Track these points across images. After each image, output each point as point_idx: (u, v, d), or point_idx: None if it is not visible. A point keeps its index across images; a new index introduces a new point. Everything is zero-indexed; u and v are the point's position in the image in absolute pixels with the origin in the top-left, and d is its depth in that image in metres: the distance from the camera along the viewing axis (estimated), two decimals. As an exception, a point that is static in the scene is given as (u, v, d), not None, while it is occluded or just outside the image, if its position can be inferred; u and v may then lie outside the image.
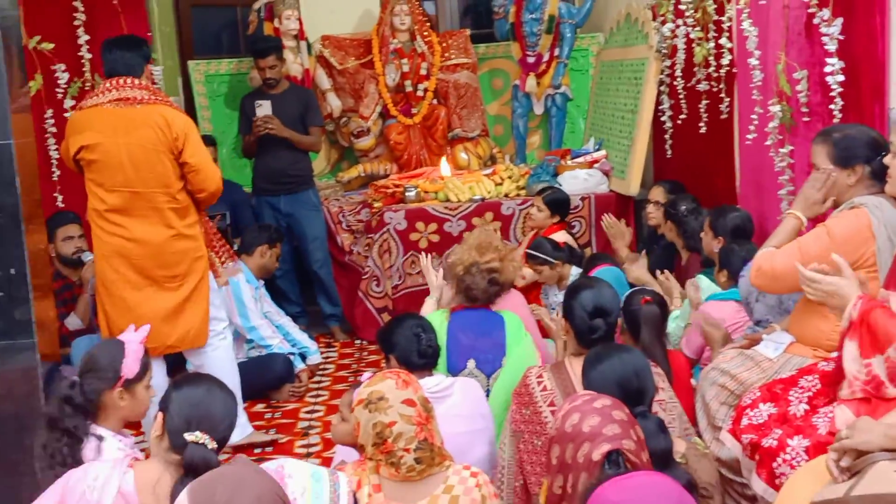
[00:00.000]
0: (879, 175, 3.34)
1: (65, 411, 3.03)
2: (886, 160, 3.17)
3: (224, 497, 1.70)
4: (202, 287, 4.62)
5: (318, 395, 5.61)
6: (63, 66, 5.86)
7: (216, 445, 2.53)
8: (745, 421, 3.08)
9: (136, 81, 4.46)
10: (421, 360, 3.46)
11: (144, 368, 3.19)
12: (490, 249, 4.05)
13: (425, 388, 2.96)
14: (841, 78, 3.94)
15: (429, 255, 4.76)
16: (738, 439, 3.10)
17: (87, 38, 5.92)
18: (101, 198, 4.46)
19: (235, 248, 5.68)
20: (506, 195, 6.59)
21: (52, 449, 2.99)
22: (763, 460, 2.94)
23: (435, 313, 4.12)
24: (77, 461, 3.01)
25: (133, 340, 3.18)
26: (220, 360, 4.65)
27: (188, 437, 2.51)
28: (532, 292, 5.48)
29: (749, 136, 4.70)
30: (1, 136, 3.70)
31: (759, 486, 2.95)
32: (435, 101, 7.42)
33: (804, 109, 4.31)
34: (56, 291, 5.39)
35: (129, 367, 3.10)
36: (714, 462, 3.41)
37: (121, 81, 4.44)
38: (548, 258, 5.13)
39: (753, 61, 4.59)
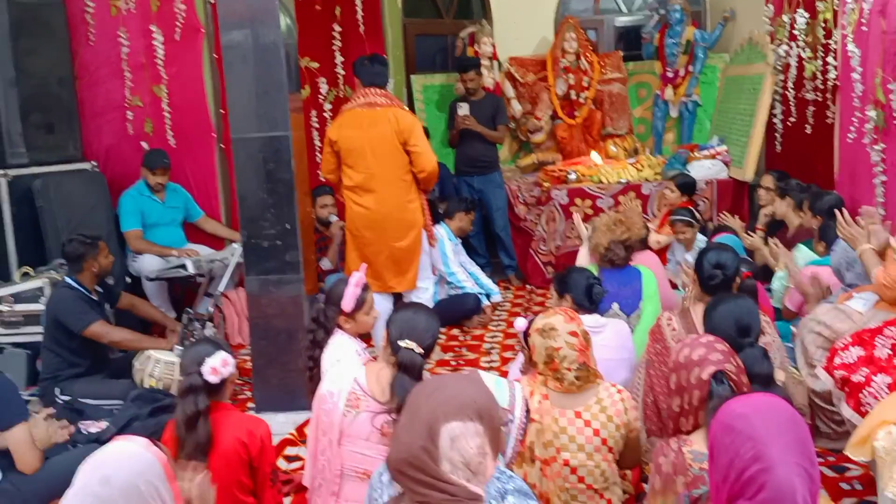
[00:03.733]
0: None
1: (315, 326, 3.25)
2: None
3: (446, 393, 1.66)
4: (415, 247, 4.67)
5: (498, 325, 5.62)
6: (324, 80, 6.04)
7: (422, 351, 2.54)
8: (837, 360, 2.92)
9: (380, 91, 4.54)
10: (590, 304, 3.43)
11: (360, 304, 3.25)
12: (618, 224, 3.97)
13: (585, 323, 2.92)
14: (930, 89, 3.65)
15: (580, 214, 4.74)
16: (831, 375, 2.94)
17: (341, 59, 6.08)
18: (350, 176, 4.57)
19: (441, 211, 5.74)
20: (645, 179, 6.39)
21: (308, 349, 3.25)
22: (852, 392, 2.78)
23: (590, 267, 4.07)
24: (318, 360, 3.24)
25: (352, 284, 3.24)
26: (420, 300, 4.70)
27: (401, 343, 2.54)
28: (662, 254, 5.34)
29: (850, 136, 4.41)
30: (283, 129, 3.83)
31: (847, 411, 2.81)
32: (593, 107, 7.24)
33: (896, 114, 4.02)
34: (315, 242, 5.61)
35: (347, 304, 3.21)
36: (807, 389, 3.25)
37: (371, 90, 4.53)
38: (694, 220, 5.03)
39: (855, 76, 4.31)
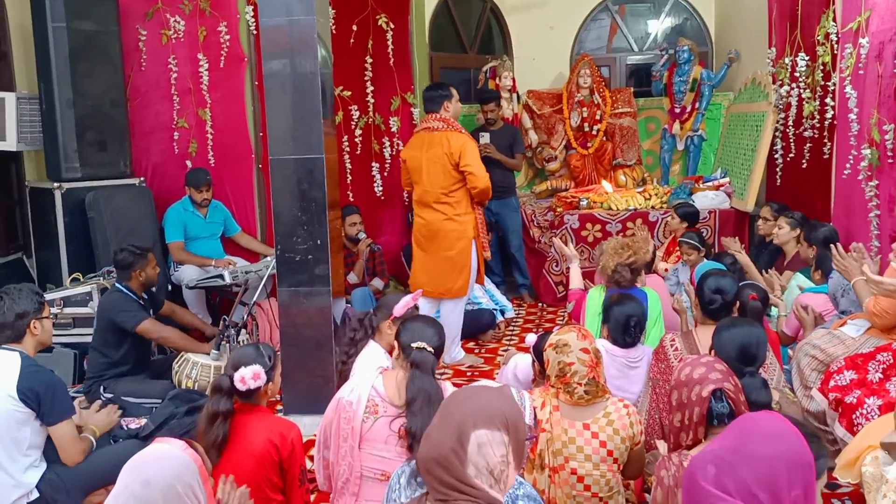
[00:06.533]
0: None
1: (359, 327, 3.30)
2: None
3: (478, 402, 1.64)
4: (463, 258, 4.76)
5: (511, 339, 5.61)
6: (356, 107, 6.09)
7: (433, 350, 2.55)
8: (831, 383, 2.89)
9: (437, 115, 4.71)
10: (625, 342, 3.33)
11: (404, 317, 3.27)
12: (625, 248, 3.96)
13: (628, 356, 3.04)
14: (923, 130, 3.62)
15: (557, 236, 4.75)
16: (825, 396, 2.92)
17: (372, 88, 6.13)
18: (416, 190, 4.83)
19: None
20: (652, 207, 6.38)
21: (347, 345, 3.32)
22: (844, 413, 2.76)
23: (596, 288, 4.06)
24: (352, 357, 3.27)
25: (412, 296, 3.26)
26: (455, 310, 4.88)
27: (414, 345, 2.55)
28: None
29: (845, 172, 4.38)
30: (317, 152, 3.86)
31: (840, 431, 2.78)
32: (604, 138, 7.24)
33: (889, 153, 3.99)
34: (343, 258, 5.62)
35: (399, 309, 3.19)
36: (801, 409, 3.22)
37: (429, 116, 4.76)
38: (700, 245, 4.97)
39: (852, 116, 4.28)
